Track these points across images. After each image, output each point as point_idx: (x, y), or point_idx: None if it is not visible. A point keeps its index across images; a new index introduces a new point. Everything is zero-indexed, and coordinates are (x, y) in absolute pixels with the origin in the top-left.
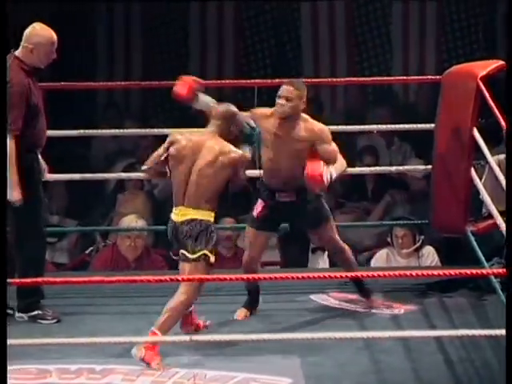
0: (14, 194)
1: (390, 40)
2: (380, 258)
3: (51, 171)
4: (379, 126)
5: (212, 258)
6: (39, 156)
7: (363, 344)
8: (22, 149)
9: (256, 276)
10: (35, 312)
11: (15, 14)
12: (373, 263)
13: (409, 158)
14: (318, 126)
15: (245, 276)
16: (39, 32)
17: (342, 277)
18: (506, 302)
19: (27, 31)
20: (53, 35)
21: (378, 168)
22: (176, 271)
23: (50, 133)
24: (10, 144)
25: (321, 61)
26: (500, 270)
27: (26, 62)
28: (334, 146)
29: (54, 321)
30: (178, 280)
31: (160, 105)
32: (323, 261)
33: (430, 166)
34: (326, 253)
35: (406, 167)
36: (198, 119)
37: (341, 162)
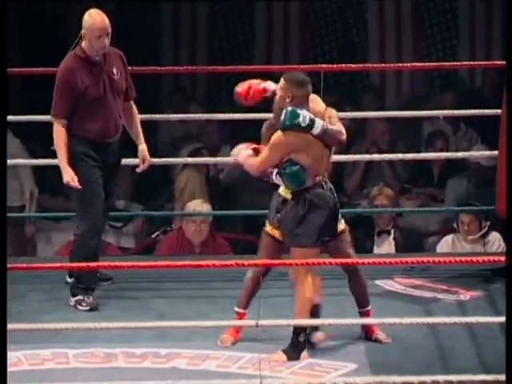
0: (64, 177)
1: (457, 25)
2: (445, 243)
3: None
4: (445, 111)
5: None
6: (109, 146)
7: (428, 330)
8: (73, 135)
9: (326, 261)
10: (78, 297)
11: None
12: (438, 249)
13: (475, 144)
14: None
15: (318, 260)
16: (87, 17)
17: (407, 262)
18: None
19: (84, 16)
20: (97, 20)
21: (443, 154)
22: (239, 256)
23: None
24: (56, 128)
25: (387, 46)
26: None
27: (84, 49)
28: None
29: (87, 308)
30: (243, 265)
31: (226, 89)
32: (389, 243)
33: (496, 152)
34: (392, 235)
35: (472, 153)
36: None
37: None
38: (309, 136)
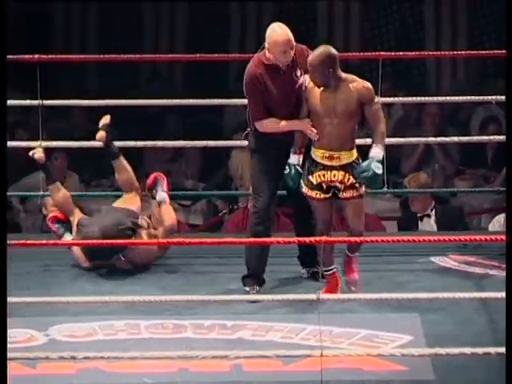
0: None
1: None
2: (497, 222)
3: (187, 138)
4: (498, 97)
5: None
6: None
7: (480, 304)
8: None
9: (384, 238)
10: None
11: None
12: (490, 227)
13: None
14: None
15: (371, 238)
16: (270, 32)
17: (460, 240)
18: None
19: (267, 30)
20: (280, 35)
21: (496, 137)
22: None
23: (185, 102)
24: (266, 125)
25: (442, 34)
26: None
27: (268, 56)
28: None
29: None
30: (304, 242)
31: None
32: (430, 226)
33: None
34: (433, 218)
35: None
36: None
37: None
38: None
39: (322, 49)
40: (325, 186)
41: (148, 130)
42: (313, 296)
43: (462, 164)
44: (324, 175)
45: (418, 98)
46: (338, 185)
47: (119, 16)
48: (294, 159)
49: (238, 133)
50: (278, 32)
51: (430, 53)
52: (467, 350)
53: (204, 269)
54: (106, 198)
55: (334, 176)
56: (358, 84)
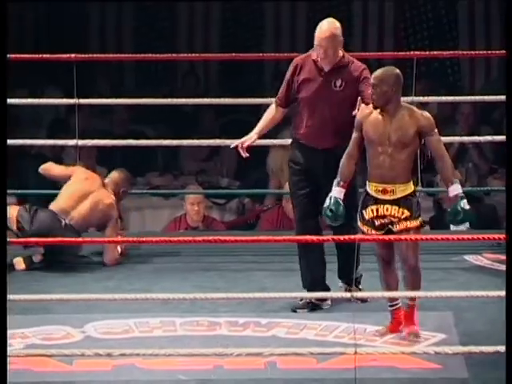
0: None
1: None
2: None
3: (222, 136)
4: None
5: None
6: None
7: None
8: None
9: (419, 237)
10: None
11: None
12: None
13: None
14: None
15: (407, 237)
16: (317, 28)
17: (494, 238)
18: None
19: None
20: (320, 34)
21: None
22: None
23: (218, 101)
24: (270, 108)
25: (476, 34)
26: None
27: (316, 53)
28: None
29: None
30: (339, 240)
31: None
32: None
33: None
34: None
35: None
36: None
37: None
38: None
39: (388, 67)
40: (377, 223)
41: (183, 128)
42: (347, 294)
43: (495, 163)
44: (377, 210)
45: (452, 98)
46: (392, 219)
47: (155, 16)
48: (335, 192)
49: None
50: (321, 27)
51: (464, 52)
52: (501, 348)
53: (239, 266)
54: (142, 196)
55: (387, 210)
56: (416, 113)
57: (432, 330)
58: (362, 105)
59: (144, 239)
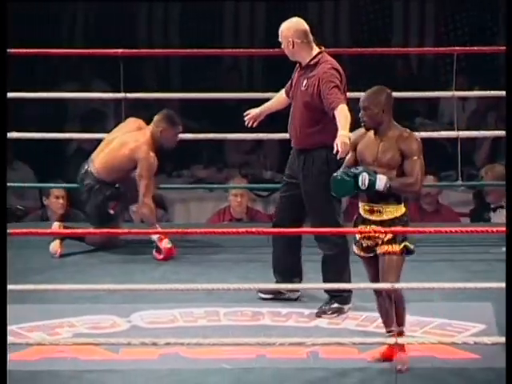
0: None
1: None
2: None
3: (265, 130)
4: None
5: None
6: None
7: None
8: None
9: (458, 229)
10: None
11: None
12: None
13: None
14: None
15: (446, 229)
16: None
17: None
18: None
19: None
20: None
21: None
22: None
23: (251, 95)
24: (280, 92)
25: None
26: None
27: None
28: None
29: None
30: (374, 232)
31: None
32: (503, 216)
33: None
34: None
35: None
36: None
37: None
38: None
39: (378, 88)
40: (364, 244)
41: (227, 122)
42: (388, 285)
43: None
44: (364, 230)
45: (492, 92)
46: (377, 241)
47: (200, 12)
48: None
49: None
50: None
51: (501, 48)
52: None
53: None
54: (187, 189)
55: (373, 231)
56: (403, 136)
57: (472, 321)
58: (360, 129)
59: (189, 230)
